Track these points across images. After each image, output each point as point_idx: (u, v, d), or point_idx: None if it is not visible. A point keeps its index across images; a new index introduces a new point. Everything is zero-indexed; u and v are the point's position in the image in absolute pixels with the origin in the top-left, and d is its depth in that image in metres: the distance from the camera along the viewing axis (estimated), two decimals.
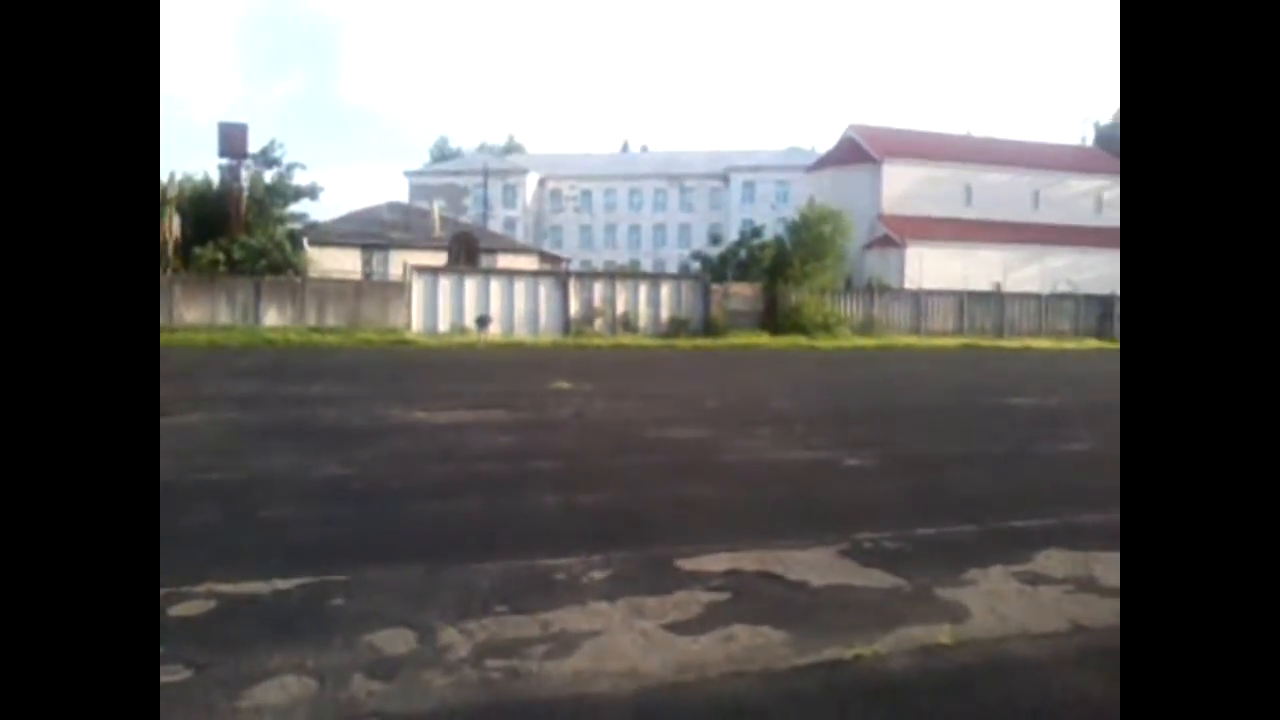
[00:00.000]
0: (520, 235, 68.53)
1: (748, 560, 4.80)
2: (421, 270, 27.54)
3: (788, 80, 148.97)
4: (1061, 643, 3.79)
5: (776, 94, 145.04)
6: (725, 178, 77.88)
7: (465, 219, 55.20)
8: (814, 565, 4.75)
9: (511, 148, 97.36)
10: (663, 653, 3.55)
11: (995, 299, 34.14)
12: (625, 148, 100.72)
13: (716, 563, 4.73)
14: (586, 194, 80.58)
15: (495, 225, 63.77)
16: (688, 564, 4.70)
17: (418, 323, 26.59)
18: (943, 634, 3.79)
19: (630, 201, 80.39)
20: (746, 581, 4.47)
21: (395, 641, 3.56)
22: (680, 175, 79.84)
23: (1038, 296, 35.22)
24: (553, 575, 4.49)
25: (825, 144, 62.45)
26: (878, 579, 4.56)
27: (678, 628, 3.83)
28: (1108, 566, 4.81)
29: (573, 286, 28.61)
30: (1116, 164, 54.69)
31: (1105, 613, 4.14)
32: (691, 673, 3.38)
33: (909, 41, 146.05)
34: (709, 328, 28.77)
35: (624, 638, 3.71)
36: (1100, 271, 43.74)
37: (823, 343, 27.20)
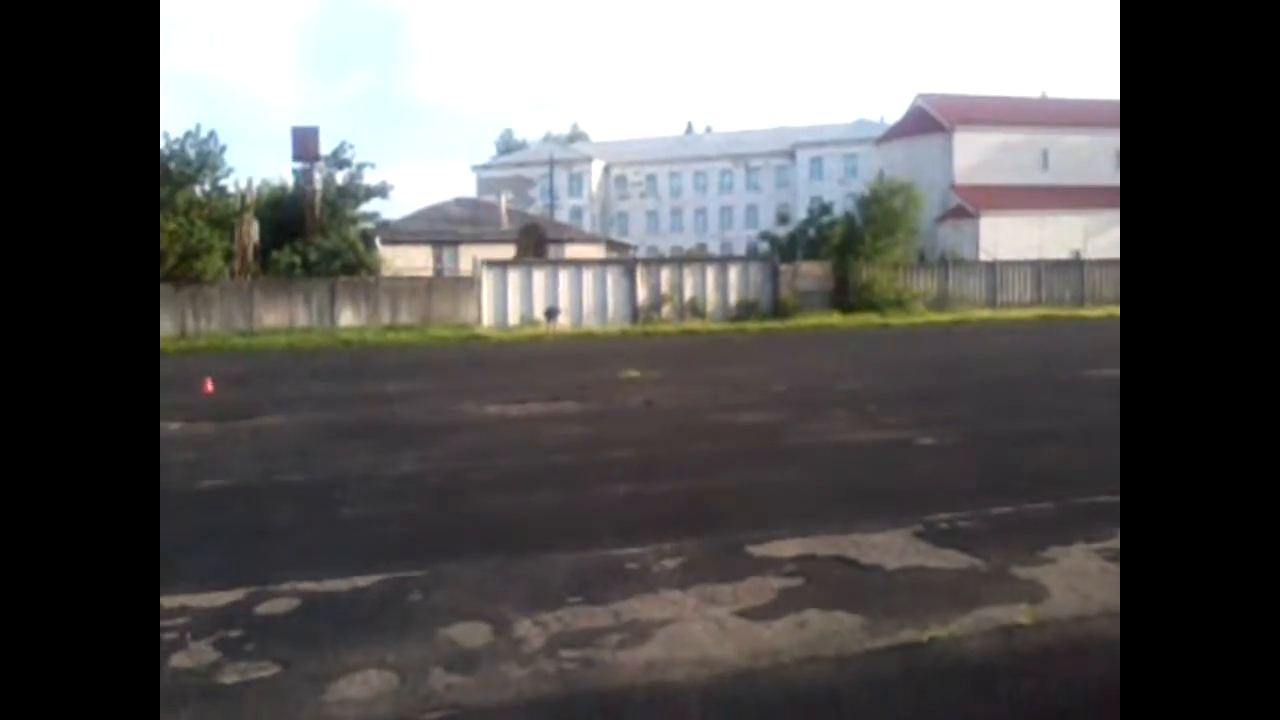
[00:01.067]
0: (587, 224, 68.90)
1: (820, 545, 4.77)
2: (490, 264, 27.89)
3: (853, 51, 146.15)
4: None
5: (841, 65, 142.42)
6: (792, 155, 76.91)
7: (532, 210, 55.75)
8: (888, 548, 4.70)
9: (575, 136, 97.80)
10: (736, 640, 3.56)
11: (1075, 267, 33.09)
12: (689, 129, 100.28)
13: (788, 548, 4.72)
14: (651, 179, 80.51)
15: (561, 215, 64.21)
16: (759, 550, 4.70)
17: (488, 317, 26.96)
18: (1021, 614, 3.72)
19: (695, 184, 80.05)
20: (819, 566, 4.45)
21: (472, 635, 3.65)
22: (745, 155, 79.12)
23: (1119, 263, 33.99)
24: (625, 565, 4.53)
25: (894, 114, 61.13)
26: (953, 560, 4.49)
27: (750, 614, 3.83)
28: None
29: (639, 273, 28.64)
30: None
31: None
32: (765, 659, 3.38)
33: (978, 1, 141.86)
34: (778, 310, 28.50)
35: (696, 626, 3.73)
36: None
37: (895, 320, 26.73)
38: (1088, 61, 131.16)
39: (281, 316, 25.65)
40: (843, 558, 4.57)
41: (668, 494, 6.15)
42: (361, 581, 4.33)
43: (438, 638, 3.63)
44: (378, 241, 31.28)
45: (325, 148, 31.33)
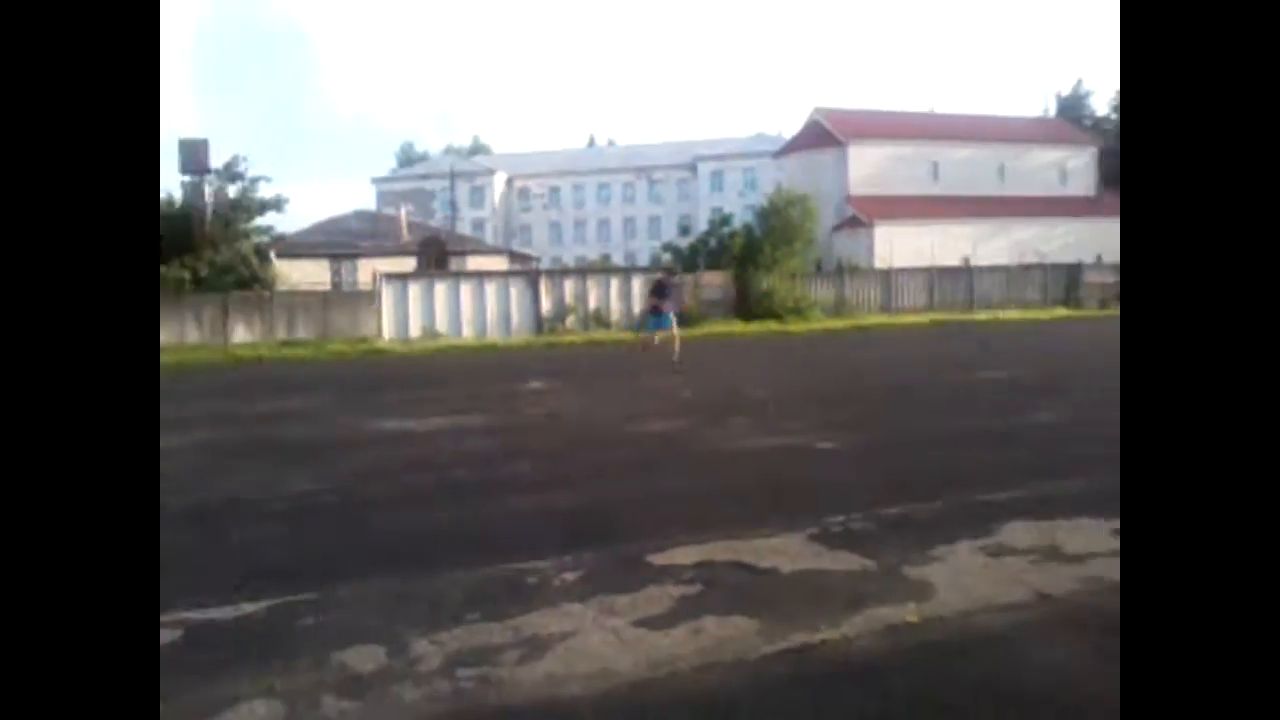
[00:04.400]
0: (489, 236, 68.31)
1: (719, 551, 4.83)
2: (390, 277, 27.39)
3: (751, 66, 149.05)
4: (1025, 613, 3.85)
5: (740, 81, 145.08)
6: (693, 167, 77.93)
7: (433, 223, 54.96)
8: (784, 551, 4.80)
9: (477, 148, 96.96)
10: (634, 650, 3.58)
11: (964, 273, 34.41)
12: (591, 142, 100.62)
13: (688, 555, 4.76)
14: (554, 191, 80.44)
15: (464, 227, 63.54)
16: (659, 558, 4.73)
17: (389, 330, 26.46)
18: (909, 612, 3.84)
19: (599, 196, 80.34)
20: (717, 572, 4.51)
21: (365, 658, 3.57)
22: (647, 167, 79.80)
23: (1006, 268, 35.52)
24: (525, 579, 4.50)
25: (791, 129, 62.61)
26: (846, 561, 4.61)
27: (649, 623, 3.85)
28: (1070, 534, 4.89)
29: (543, 285, 28.54)
30: (1078, 134, 55.23)
31: (1068, 580, 4.22)
32: (663, 668, 3.41)
33: (870, 21, 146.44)
34: (683, 318, 28.76)
35: (595, 637, 3.73)
36: (1066, 240, 44.20)
37: (795, 327, 27.30)
38: (972, 78, 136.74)
39: (171, 334, 24.65)
40: (740, 563, 4.64)
41: (570, 506, 6.13)
42: (249, 608, 4.19)
43: (329, 663, 3.53)
44: (273, 255, 30.37)
45: (218, 161, 30.28)
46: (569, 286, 28.74)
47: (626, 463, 7.61)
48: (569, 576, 4.53)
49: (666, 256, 37.17)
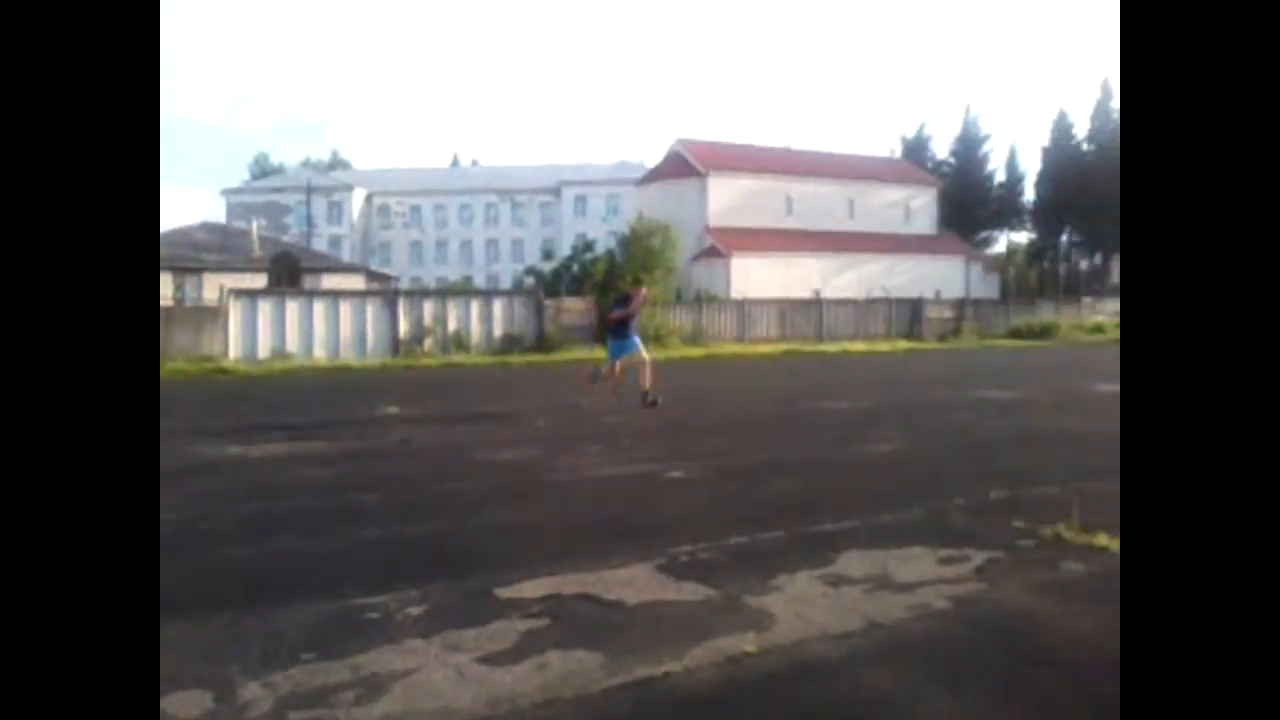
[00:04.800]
0: (347, 254, 66.42)
1: (567, 583, 4.84)
2: (239, 294, 26.22)
3: (617, 93, 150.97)
4: (857, 641, 4.03)
5: (606, 107, 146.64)
6: (557, 192, 78.20)
7: (288, 238, 53.00)
8: (631, 583, 4.85)
9: (336, 163, 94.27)
10: (475, 687, 3.54)
11: (815, 305, 35.80)
12: (455, 162, 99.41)
13: (535, 588, 4.75)
14: (416, 209, 79.04)
15: (320, 244, 61.55)
16: (506, 592, 4.70)
17: (235, 349, 25.30)
18: (748, 643, 3.95)
19: (461, 216, 79.43)
20: (564, 605, 4.51)
21: (189, 704, 3.39)
22: (512, 190, 79.54)
23: (854, 302, 37.18)
24: (366, 615, 4.38)
25: (654, 157, 63.68)
26: (691, 592, 4.70)
27: (492, 659, 3.82)
28: (901, 563, 5.15)
29: (401, 305, 27.94)
30: (921, 175, 58.54)
31: (898, 608, 4.44)
32: (503, 705, 3.39)
33: (732, 56, 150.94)
34: (543, 344, 28.74)
35: (437, 674, 3.67)
36: (910, 276, 46.70)
37: (653, 354, 27.67)
38: (827, 117, 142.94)
39: None
40: (588, 595, 4.67)
41: (417, 537, 6.01)
42: None
43: None
44: None
45: None
46: (428, 308, 28.24)
47: (478, 492, 7.52)
48: (413, 611, 4.44)
49: (529, 280, 37.08)
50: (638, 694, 3.46)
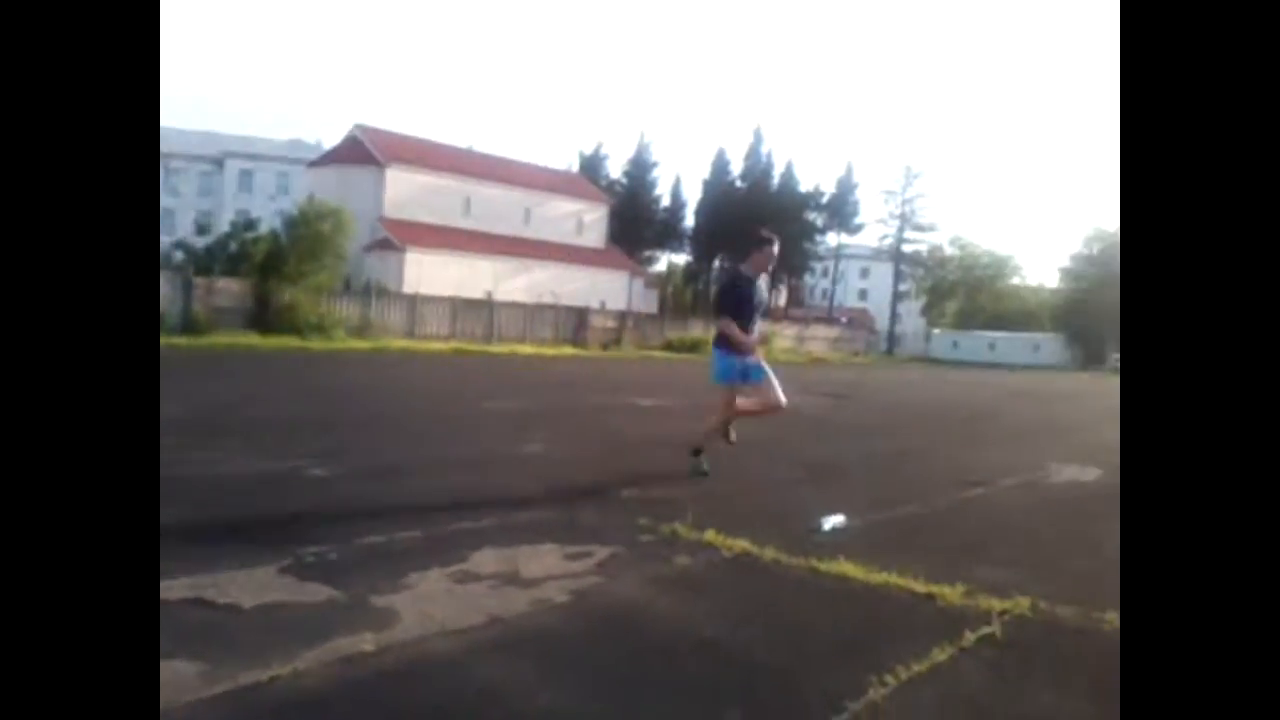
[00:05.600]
0: None
1: (178, 588, 4.50)
2: None
3: (293, 68, 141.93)
4: (477, 635, 4.15)
5: (280, 81, 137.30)
6: (220, 162, 72.03)
7: None
8: (250, 585, 4.63)
9: None
10: None
11: (486, 306, 36.08)
12: None
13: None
14: None
15: None
16: None
17: None
18: (366, 642, 3.93)
19: None
20: (171, 611, 4.20)
21: None
22: (167, 154, 72.03)
23: (524, 305, 37.96)
24: None
25: (331, 139, 60.77)
26: (314, 593, 4.58)
27: None
28: (529, 559, 5.38)
29: None
30: (595, 191, 61.12)
31: (520, 602, 4.63)
32: None
33: (423, 49, 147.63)
34: (190, 325, 26.35)
35: None
36: (578, 285, 48.57)
37: (316, 344, 26.44)
38: (509, 125, 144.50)
39: None
40: (200, 600, 4.38)
41: None
42: None
43: None
44: None
45: None
46: None
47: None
48: None
49: (178, 254, 33.71)
50: (236, 702, 3.32)
